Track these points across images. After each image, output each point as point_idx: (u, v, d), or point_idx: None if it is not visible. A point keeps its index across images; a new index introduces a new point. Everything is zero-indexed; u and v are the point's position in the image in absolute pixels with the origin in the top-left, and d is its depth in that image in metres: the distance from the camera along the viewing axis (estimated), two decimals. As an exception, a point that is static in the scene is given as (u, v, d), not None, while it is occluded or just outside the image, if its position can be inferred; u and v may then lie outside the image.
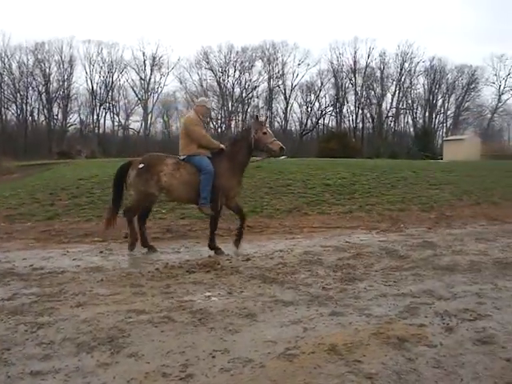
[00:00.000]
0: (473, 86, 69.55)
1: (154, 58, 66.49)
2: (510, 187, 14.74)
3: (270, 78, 70.30)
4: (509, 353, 3.40)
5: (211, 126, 66.91)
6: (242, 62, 69.35)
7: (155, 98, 68.04)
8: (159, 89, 67.90)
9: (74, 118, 65.11)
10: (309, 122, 70.55)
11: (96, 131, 65.36)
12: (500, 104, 69.41)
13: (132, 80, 66.65)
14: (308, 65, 71.99)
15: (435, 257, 6.61)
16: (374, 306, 4.42)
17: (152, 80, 67.42)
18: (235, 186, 7.14)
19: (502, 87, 69.13)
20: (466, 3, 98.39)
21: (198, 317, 4.08)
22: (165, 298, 4.61)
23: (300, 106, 70.64)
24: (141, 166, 6.88)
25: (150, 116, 68.08)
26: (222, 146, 7.14)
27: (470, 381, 2.98)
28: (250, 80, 69.76)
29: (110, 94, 65.96)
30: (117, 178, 7.20)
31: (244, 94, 69.75)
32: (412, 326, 3.90)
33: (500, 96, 69.24)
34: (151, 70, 67.18)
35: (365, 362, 3.20)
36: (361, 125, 69.39)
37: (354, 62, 69.41)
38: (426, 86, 70.17)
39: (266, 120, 7.85)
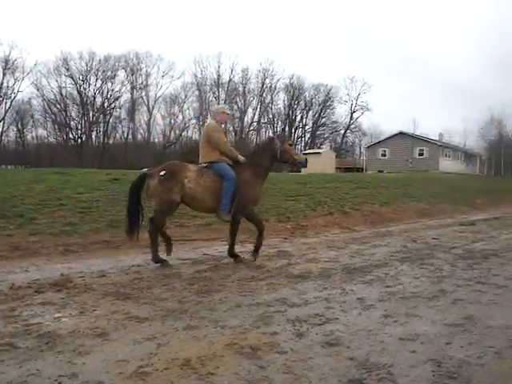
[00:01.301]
0: (328, 103, 75.03)
1: (6, 61, 61.87)
2: (359, 197, 15.97)
3: (133, 89, 69.32)
4: (352, 352, 3.63)
5: (70, 136, 64.09)
6: (104, 71, 67.58)
7: (8, 104, 63.42)
8: (13, 94, 63.36)
9: None
10: (172, 133, 70.50)
11: None
12: (352, 121, 75.54)
13: (-19, 84, 61.47)
14: (172, 77, 72.79)
15: (289, 265, 6.88)
16: (229, 317, 4.46)
17: (4, 85, 62.68)
18: (259, 195, 7.31)
19: (353, 106, 75.24)
20: (323, 26, 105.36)
21: (45, 340, 3.79)
22: (8, 323, 4.21)
23: (163, 117, 70.46)
24: (162, 173, 6.64)
25: (1, 124, 63.25)
26: (241, 158, 7.11)
27: (317, 382, 3.12)
28: (113, 90, 68.20)
29: (-48, 98, 60.17)
30: (133, 189, 6.91)
31: (106, 104, 67.78)
32: (265, 334, 4.00)
33: (352, 114, 75.40)
34: (3, 74, 62.44)
35: (218, 373, 3.22)
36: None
37: (218, 76, 71.04)
38: (285, 102, 74.02)
39: (287, 137, 8.24)
